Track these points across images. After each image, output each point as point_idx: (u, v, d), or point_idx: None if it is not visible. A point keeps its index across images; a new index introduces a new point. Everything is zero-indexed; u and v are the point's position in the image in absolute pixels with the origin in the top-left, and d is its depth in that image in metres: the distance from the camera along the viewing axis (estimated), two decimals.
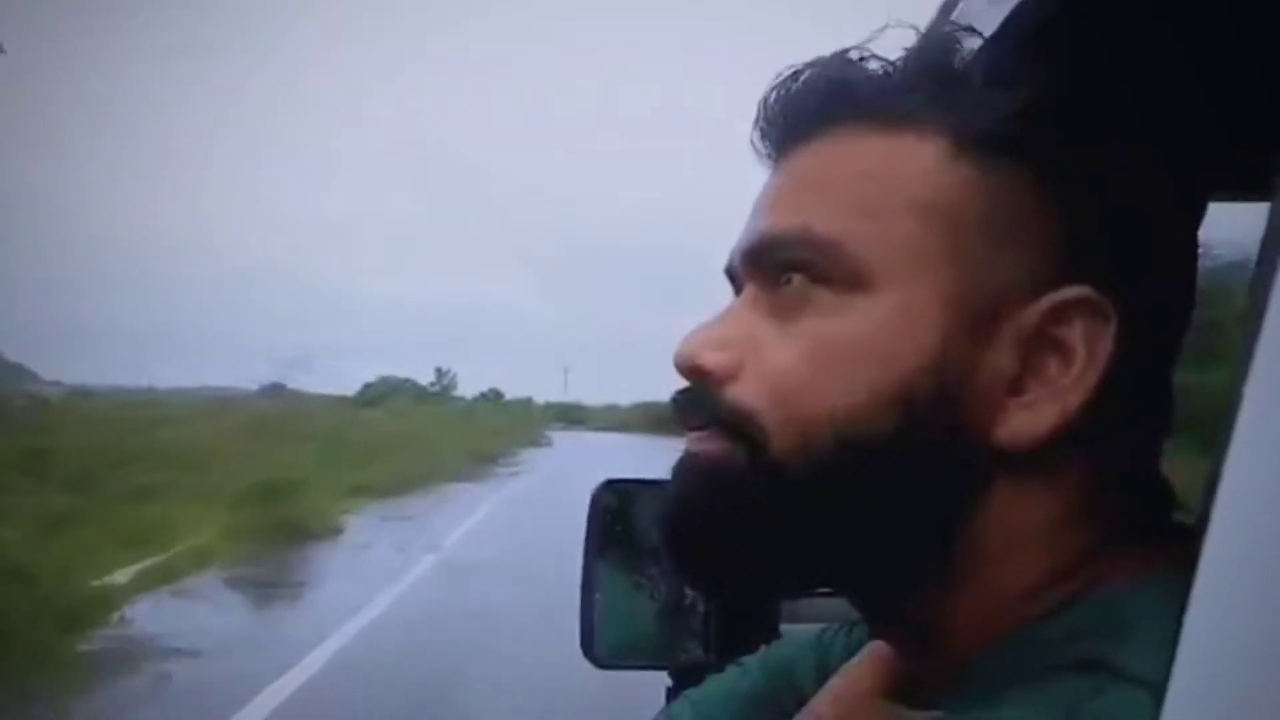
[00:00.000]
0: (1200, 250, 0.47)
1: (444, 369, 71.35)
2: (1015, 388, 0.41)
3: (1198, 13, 0.44)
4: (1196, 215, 0.48)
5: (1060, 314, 0.41)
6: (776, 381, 0.43)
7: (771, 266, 0.45)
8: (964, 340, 0.41)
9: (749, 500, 0.43)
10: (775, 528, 0.43)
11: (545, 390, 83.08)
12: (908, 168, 0.43)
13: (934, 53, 0.45)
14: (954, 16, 0.52)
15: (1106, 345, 0.40)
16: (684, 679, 0.95)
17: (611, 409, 68.19)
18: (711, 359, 0.45)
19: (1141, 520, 0.44)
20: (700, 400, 0.45)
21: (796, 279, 0.44)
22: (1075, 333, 0.41)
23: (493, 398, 72.59)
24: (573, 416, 69.25)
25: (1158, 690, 0.31)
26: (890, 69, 0.46)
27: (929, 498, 0.42)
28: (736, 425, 0.44)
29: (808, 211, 0.44)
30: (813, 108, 0.46)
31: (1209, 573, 0.28)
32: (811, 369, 0.42)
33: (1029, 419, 0.41)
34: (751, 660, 0.68)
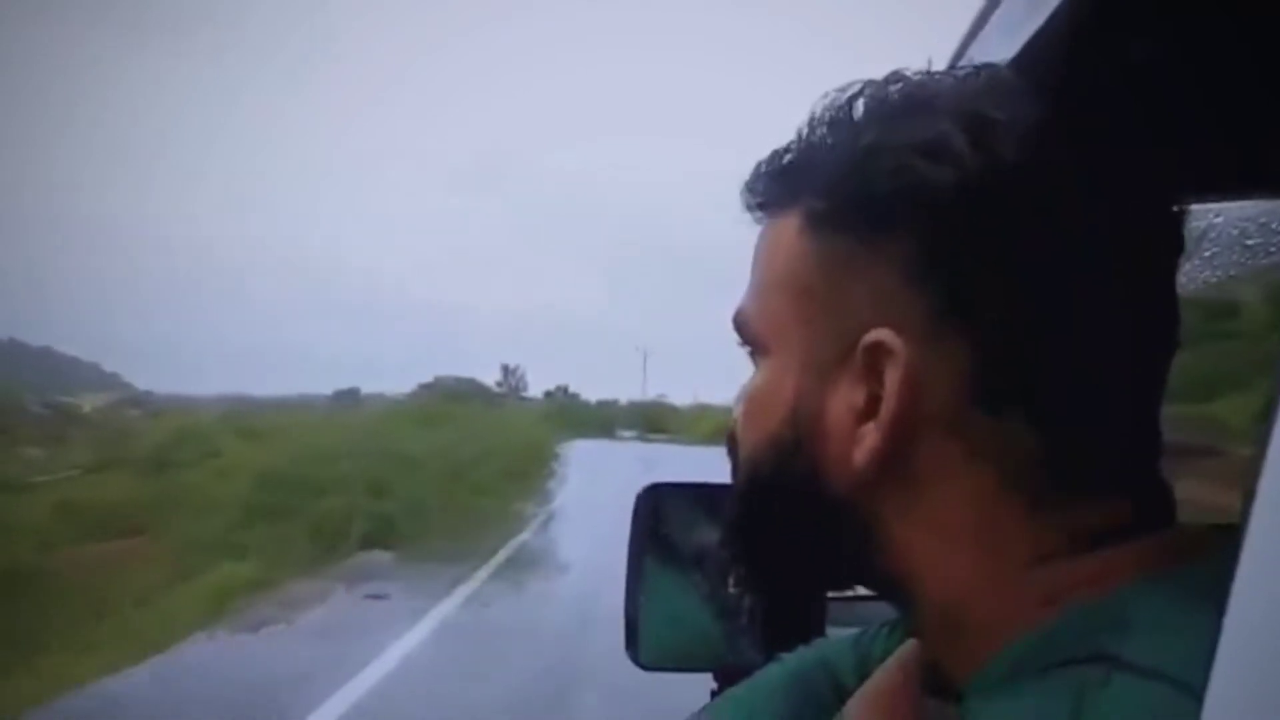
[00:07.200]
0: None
1: (511, 367, 68.42)
2: (863, 419, 0.47)
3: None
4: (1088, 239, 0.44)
5: (873, 353, 0.46)
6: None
7: None
8: (813, 390, 0.49)
9: (749, 521, 0.54)
10: (771, 540, 0.54)
11: (625, 389, 75.90)
12: (777, 248, 0.52)
13: (817, 132, 0.50)
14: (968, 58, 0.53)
15: (895, 376, 0.45)
16: (729, 681, 0.94)
17: (703, 410, 51.97)
18: (737, 410, 0.55)
19: (1138, 520, 0.45)
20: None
21: None
22: (884, 367, 0.46)
23: (561, 397, 67.95)
24: (650, 421, 57.33)
25: (1165, 681, 0.35)
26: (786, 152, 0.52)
27: (827, 524, 0.49)
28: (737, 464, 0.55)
29: (745, 294, 0.55)
30: (756, 194, 0.54)
31: (1250, 567, 0.27)
32: (742, 421, 0.54)
33: (862, 447, 0.47)
34: (789, 655, 0.72)
